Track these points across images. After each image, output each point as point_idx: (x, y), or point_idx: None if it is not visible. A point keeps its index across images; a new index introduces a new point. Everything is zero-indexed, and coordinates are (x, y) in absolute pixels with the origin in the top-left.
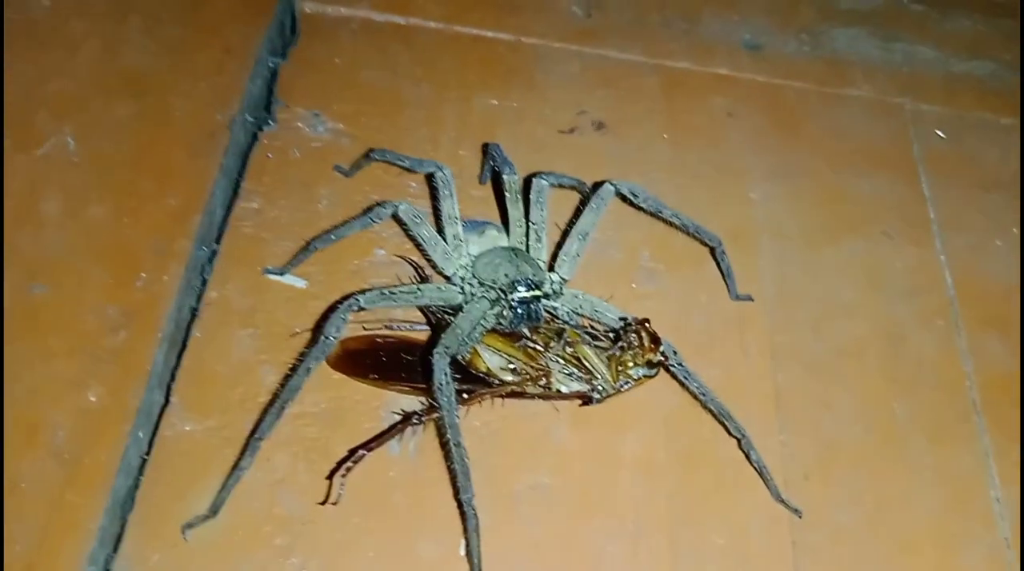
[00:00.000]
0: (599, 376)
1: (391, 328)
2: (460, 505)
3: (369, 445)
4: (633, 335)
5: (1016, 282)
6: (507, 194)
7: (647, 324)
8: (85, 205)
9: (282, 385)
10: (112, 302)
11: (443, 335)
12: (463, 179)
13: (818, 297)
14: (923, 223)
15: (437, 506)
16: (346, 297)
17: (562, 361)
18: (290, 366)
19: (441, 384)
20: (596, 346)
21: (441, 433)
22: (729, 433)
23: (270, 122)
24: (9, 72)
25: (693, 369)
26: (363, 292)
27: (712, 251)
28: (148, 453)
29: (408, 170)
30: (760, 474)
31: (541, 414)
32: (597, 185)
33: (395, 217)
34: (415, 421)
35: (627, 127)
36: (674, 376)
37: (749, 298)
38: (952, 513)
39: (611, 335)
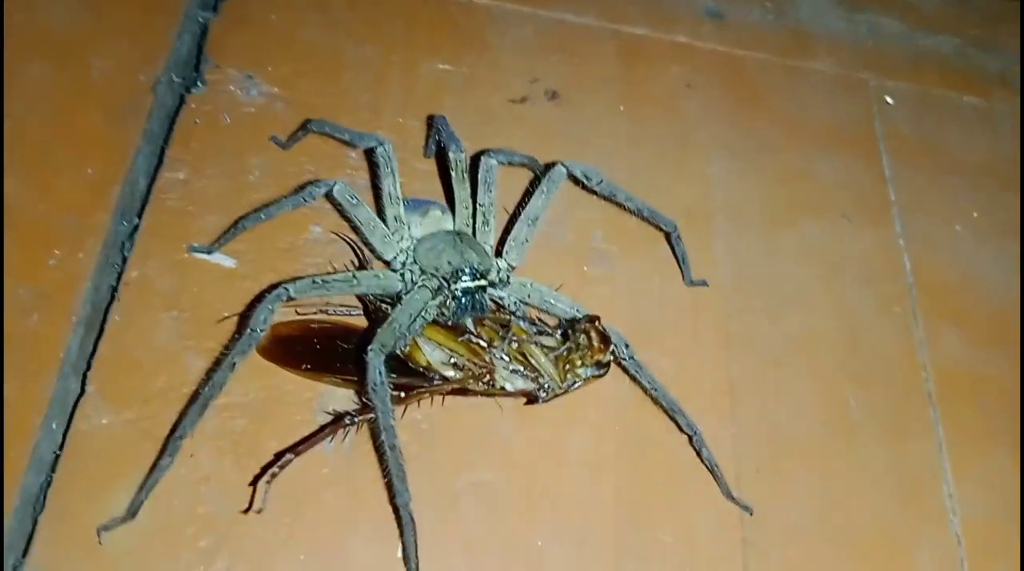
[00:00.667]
0: (546, 375)
1: (327, 313)
2: (396, 510)
3: (297, 448)
4: (582, 334)
5: (973, 272)
6: (453, 173)
7: (597, 322)
8: None
9: (206, 380)
10: (23, 282)
11: (379, 330)
12: (407, 151)
13: (774, 282)
14: (883, 206)
15: (373, 506)
16: (274, 286)
17: (507, 358)
18: (216, 356)
19: (375, 384)
20: (543, 345)
21: (375, 435)
22: (680, 429)
23: (199, 84)
24: None
25: (645, 361)
26: (293, 280)
27: (667, 236)
28: (61, 448)
29: (348, 143)
30: (711, 472)
31: (484, 407)
32: (549, 166)
33: (329, 196)
34: (347, 422)
35: (581, 97)
36: (625, 370)
37: (704, 283)
38: (904, 509)
39: (560, 331)
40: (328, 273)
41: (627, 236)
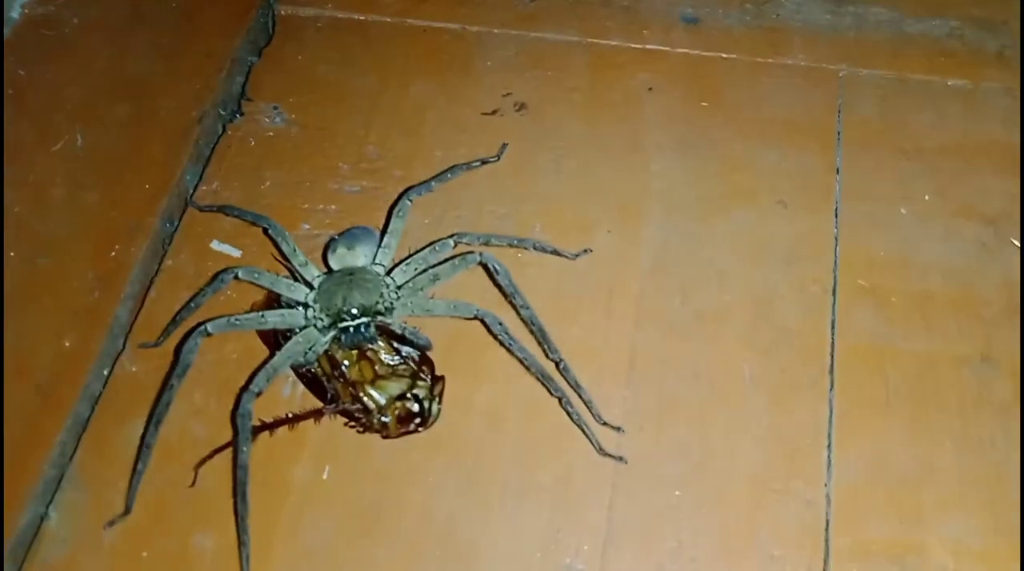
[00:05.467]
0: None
1: None
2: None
3: (224, 448)
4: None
5: (907, 252)
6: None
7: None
8: (82, 191)
9: (157, 399)
10: (92, 269)
11: (256, 375)
12: (387, 160)
13: (694, 265)
14: (826, 192)
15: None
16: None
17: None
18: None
19: (241, 418)
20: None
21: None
22: (550, 393)
23: (237, 115)
24: (38, 80)
25: (518, 336)
26: (213, 319)
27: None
28: (104, 387)
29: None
30: (581, 429)
31: None
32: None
33: (237, 279)
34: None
35: (547, 106)
36: (500, 342)
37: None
38: (777, 469)
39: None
40: (242, 313)
41: (564, 227)
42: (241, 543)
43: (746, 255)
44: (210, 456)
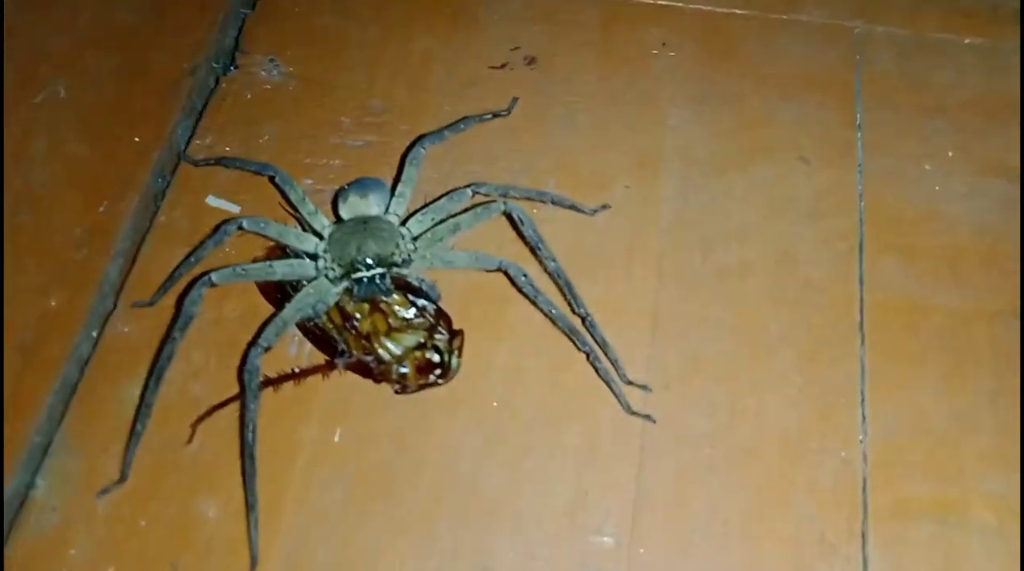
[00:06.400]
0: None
1: None
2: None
3: (222, 405)
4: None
5: (934, 208)
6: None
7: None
8: (67, 144)
9: (157, 354)
10: (79, 225)
11: (267, 327)
12: (392, 114)
13: (715, 221)
14: (847, 148)
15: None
16: (204, 273)
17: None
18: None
19: (249, 374)
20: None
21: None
22: (578, 348)
23: (232, 68)
24: (18, 29)
25: (542, 289)
26: (218, 269)
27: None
28: (94, 349)
29: (254, 173)
30: (609, 387)
31: None
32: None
33: (241, 229)
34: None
35: (557, 60)
36: (525, 295)
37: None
38: (810, 426)
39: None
40: (249, 262)
41: (579, 182)
42: (249, 506)
43: (768, 211)
44: (209, 413)
